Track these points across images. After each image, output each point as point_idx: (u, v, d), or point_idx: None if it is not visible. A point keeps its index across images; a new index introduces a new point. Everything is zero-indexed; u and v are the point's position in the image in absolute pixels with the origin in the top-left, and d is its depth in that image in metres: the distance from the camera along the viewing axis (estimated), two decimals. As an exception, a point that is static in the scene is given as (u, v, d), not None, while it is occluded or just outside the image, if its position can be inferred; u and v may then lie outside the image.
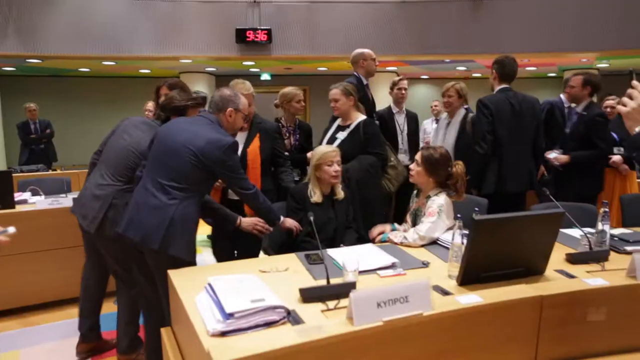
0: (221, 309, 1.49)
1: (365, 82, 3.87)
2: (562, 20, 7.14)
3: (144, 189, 2.28)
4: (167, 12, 7.17)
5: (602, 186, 3.87)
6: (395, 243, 2.42)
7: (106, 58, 7.81)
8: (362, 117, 3.25)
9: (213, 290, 1.62)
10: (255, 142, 3.02)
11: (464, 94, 3.82)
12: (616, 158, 4.09)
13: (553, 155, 3.79)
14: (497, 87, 3.45)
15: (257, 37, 7.13)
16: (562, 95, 4.47)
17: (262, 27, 7.17)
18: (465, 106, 3.97)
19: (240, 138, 2.87)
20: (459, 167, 2.52)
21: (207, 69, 10.34)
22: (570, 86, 3.92)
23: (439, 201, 2.46)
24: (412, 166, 2.62)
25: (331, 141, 3.23)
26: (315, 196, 2.72)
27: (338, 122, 3.35)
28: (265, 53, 7.39)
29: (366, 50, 3.89)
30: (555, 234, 1.86)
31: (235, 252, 3.06)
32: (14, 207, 3.51)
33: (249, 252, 2.80)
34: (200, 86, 9.70)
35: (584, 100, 3.83)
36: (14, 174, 5.74)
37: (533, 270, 1.89)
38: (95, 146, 2.84)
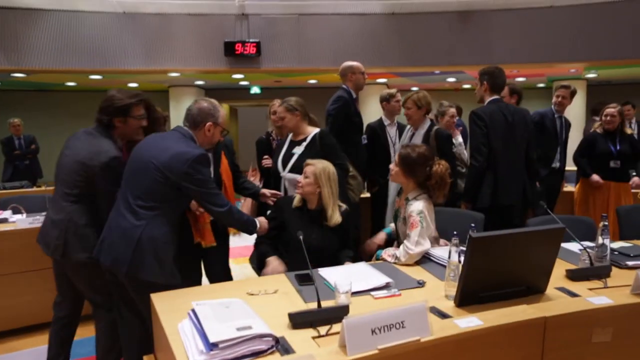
0: (204, 338, 1.39)
1: (354, 95, 3.80)
2: (551, 31, 7.18)
3: (115, 209, 2.18)
4: (155, 25, 7.10)
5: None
6: (387, 260, 2.35)
7: (93, 72, 7.70)
8: (315, 129, 3.19)
9: (196, 316, 1.52)
10: (224, 161, 2.90)
11: (423, 105, 3.67)
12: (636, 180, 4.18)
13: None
14: (488, 99, 3.38)
15: (245, 50, 7.08)
16: (552, 106, 4.45)
17: (251, 40, 7.13)
18: (431, 117, 3.89)
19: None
20: (440, 166, 2.43)
21: (196, 82, 10.26)
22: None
23: (418, 207, 2.36)
24: (391, 166, 2.56)
25: (287, 157, 3.13)
26: (295, 200, 2.66)
27: (290, 137, 3.26)
28: (255, 66, 7.33)
29: (355, 64, 3.82)
30: (557, 250, 1.79)
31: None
32: (-4, 226, 3.38)
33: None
34: (189, 100, 9.60)
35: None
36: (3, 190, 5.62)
37: (534, 288, 1.81)
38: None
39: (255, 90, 11.47)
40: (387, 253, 2.40)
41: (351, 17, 7.32)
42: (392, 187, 3.66)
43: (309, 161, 2.63)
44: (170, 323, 1.62)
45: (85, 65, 7.09)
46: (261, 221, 2.47)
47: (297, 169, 2.95)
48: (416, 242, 2.28)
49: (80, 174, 2.28)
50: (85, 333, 3.06)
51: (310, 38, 7.32)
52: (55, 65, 6.87)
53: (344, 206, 2.69)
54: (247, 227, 2.37)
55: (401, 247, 2.35)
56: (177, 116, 9.78)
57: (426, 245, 2.31)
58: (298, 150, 3.11)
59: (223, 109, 2.34)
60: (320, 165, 2.58)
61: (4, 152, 7.31)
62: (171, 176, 2.07)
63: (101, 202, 2.32)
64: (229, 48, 7.08)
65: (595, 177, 4.24)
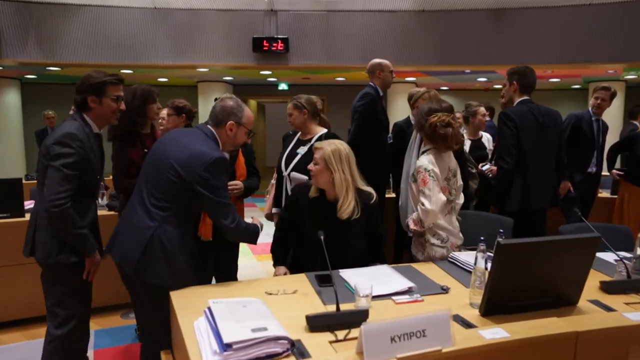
0: (219, 338, 1.36)
1: (381, 93, 3.74)
2: (588, 30, 6.91)
3: (130, 205, 2.08)
4: (185, 21, 7.16)
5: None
6: (415, 230, 2.34)
7: (124, 66, 7.83)
8: (322, 130, 3.13)
9: (212, 315, 1.49)
10: (240, 158, 2.87)
11: None
12: None
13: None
14: (518, 99, 3.28)
15: (274, 46, 7.06)
16: (590, 108, 4.27)
17: (279, 36, 7.11)
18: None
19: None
20: (435, 117, 2.36)
21: (224, 78, 10.33)
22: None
23: (423, 162, 2.35)
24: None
25: (292, 156, 3.06)
26: (311, 189, 2.37)
27: (298, 136, 3.21)
28: (282, 62, 7.31)
29: (384, 61, 3.75)
30: (591, 261, 1.69)
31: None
32: (23, 216, 3.44)
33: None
34: (217, 95, 9.68)
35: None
36: (29, 181, 5.77)
37: (565, 300, 1.72)
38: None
39: (283, 86, 11.47)
40: (413, 222, 2.38)
41: (381, 13, 7.21)
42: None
43: (317, 145, 2.32)
44: (187, 320, 1.60)
45: (116, 59, 7.21)
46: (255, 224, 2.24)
47: (300, 168, 2.90)
48: (429, 198, 2.25)
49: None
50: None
51: (338, 35, 7.26)
52: (88, 59, 7.01)
53: (369, 192, 2.32)
54: (253, 239, 2.15)
55: (418, 208, 2.31)
56: (205, 111, 9.87)
57: (442, 197, 2.28)
58: (302, 150, 3.05)
59: (249, 109, 2.21)
60: (329, 148, 2.25)
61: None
62: (186, 177, 1.93)
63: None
64: (257, 44, 7.08)
65: (615, 172, 4.06)
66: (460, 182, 2.53)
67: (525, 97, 3.26)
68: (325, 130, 3.14)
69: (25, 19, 6.79)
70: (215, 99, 2.28)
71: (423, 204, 2.26)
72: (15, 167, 9.63)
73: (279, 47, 7.07)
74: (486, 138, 4.33)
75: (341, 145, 2.29)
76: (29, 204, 3.74)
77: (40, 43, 6.97)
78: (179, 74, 9.51)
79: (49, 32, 6.91)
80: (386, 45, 7.13)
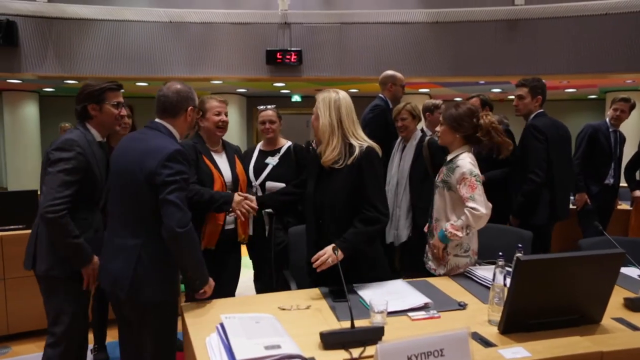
0: (231, 355, 1.34)
1: (390, 105, 3.72)
2: (604, 40, 6.82)
3: (110, 229, 1.97)
4: (200, 34, 7.24)
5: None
6: (459, 236, 2.19)
7: (140, 79, 7.93)
8: (287, 141, 3.16)
9: (224, 331, 1.47)
10: (239, 164, 2.79)
11: (417, 114, 3.55)
12: None
13: None
14: (535, 112, 3.31)
15: (287, 59, 7.10)
16: (607, 119, 4.19)
17: (293, 49, 7.14)
18: (420, 127, 3.73)
19: (221, 161, 2.69)
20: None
21: (238, 90, 10.41)
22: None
23: (468, 167, 2.21)
24: (437, 128, 2.44)
25: (261, 167, 3.03)
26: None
27: (260, 147, 3.18)
28: (296, 74, 7.34)
29: (397, 75, 3.74)
30: (615, 277, 1.63)
31: None
32: (38, 228, 3.47)
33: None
34: (231, 107, 9.75)
35: None
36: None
37: (587, 318, 1.66)
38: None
39: (296, 98, 11.53)
40: (454, 228, 2.20)
41: (394, 25, 7.21)
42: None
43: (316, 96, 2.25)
44: (199, 336, 1.59)
45: (132, 72, 7.31)
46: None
47: (274, 177, 2.98)
48: (481, 202, 2.16)
49: None
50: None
51: (352, 47, 7.27)
52: (105, 73, 7.11)
53: (361, 143, 2.11)
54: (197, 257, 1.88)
55: (466, 212, 2.17)
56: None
57: (489, 205, 2.21)
58: (272, 161, 3.05)
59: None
60: (321, 96, 2.18)
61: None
62: (148, 178, 1.80)
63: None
64: (271, 56, 7.12)
65: (638, 192, 3.99)
66: None
67: (542, 110, 3.32)
68: (289, 141, 3.17)
69: (45, 34, 6.93)
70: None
71: (477, 209, 2.15)
72: (33, 178, 9.78)
73: (293, 60, 7.10)
74: None
75: (336, 93, 2.17)
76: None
77: (58, 57, 7.10)
78: (193, 87, 9.55)
79: (68, 47, 7.03)
80: (400, 57, 7.12)
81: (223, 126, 2.66)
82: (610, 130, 4.14)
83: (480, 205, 2.15)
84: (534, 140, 3.16)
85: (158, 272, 1.86)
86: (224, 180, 2.61)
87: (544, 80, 3.37)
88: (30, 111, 10.11)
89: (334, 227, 2.07)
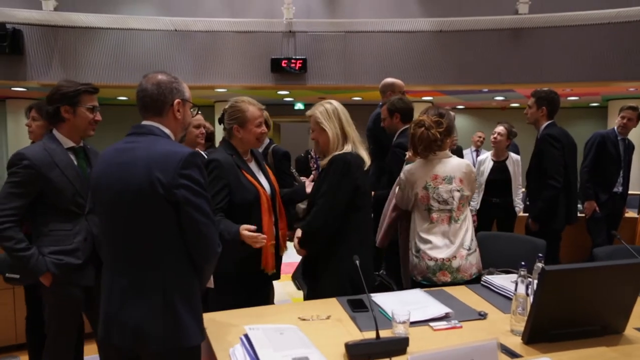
0: (259, 367, 1.33)
1: None
2: (607, 49, 6.86)
3: (110, 272, 1.54)
4: (205, 43, 7.27)
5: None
6: None
7: (144, 87, 7.96)
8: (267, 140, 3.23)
9: (250, 342, 1.46)
10: (270, 172, 2.48)
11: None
12: None
13: None
14: (545, 122, 3.47)
15: (292, 67, 7.13)
16: (615, 127, 4.21)
17: (297, 57, 7.18)
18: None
19: (257, 172, 2.36)
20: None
21: (241, 98, 10.44)
22: None
23: None
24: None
25: None
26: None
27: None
28: (300, 82, 7.36)
29: (396, 82, 3.73)
30: (638, 287, 1.63)
31: None
32: (47, 236, 3.45)
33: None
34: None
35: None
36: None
37: (610, 328, 1.65)
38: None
39: (299, 106, 11.56)
40: None
41: (398, 34, 7.26)
42: None
43: (308, 113, 2.29)
44: (221, 347, 1.58)
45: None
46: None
47: None
48: None
49: None
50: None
51: (356, 55, 7.30)
52: (110, 81, 7.13)
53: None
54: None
55: None
56: (221, 131, 9.93)
57: None
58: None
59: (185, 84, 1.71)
60: (317, 110, 2.23)
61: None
62: (159, 190, 1.44)
63: None
64: (276, 64, 7.15)
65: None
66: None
67: (552, 120, 3.49)
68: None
69: (51, 43, 6.95)
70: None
71: None
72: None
73: (297, 68, 7.14)
74: (511, 160, 4.32)
75: (330, 104, 2.24)
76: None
77: (64, 65, 7.11)
78: (197, 94, 9.63)
79: (73, 55, 7.06)
80: (404, 65, 7.15)
81: (263, 138, 2.40)
82: (619, 138, 4.15)
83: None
84: (552, 148, 3.32)
85: (196, 308, 1.52)
86: (267, 195, 2.29)
87: (555, 92, 3.49)
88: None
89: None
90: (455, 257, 2.28)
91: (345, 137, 2.21)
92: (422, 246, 2.32)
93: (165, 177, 1.44)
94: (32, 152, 2.06)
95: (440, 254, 2.27)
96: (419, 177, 2.35)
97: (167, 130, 1.59)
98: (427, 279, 2.30)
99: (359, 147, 2.23)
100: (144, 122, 1.59)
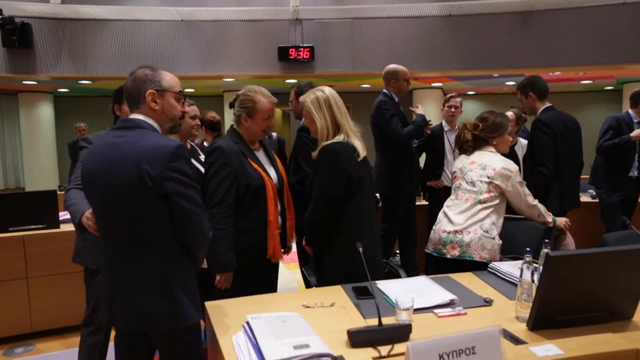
0: (260, 355, 1.33)
1: (396, 99, 3.69)
2: (621, 30, 6.69)
3: (109, 263, 1.64)
4: (212, 33, 7.25)
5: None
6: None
7: (153, 78, 7.98)
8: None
9: (251, 331, 1.47)
10: (278, 160, 2.49)
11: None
12: None
13: None
14: (541, 107, 3.39)
15: (299, 55, 7.08)
16: (630, 110, 4.11)
17: (305, 45, 7.13)
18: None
19: (264, 160, 2.37)
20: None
21: (249, 87, 10.43)
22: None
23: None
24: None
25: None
26: None
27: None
28: (308, 71, 7.32)
29: (400, 69, 3.68)
30: (646, 273, 1.60)
31: None
32: (59, 227, 3.50)
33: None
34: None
35: None
36: (62, 192, 5.90)
37: (618, 314, 1.63)
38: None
39: (306, 95, 11.52)
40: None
41: (406, 20, 7.16)
42: None
43: (301, 99, 2.28)
44: (225, 335, 1.58)
45: None
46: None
47: None
48: None
49: None
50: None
51: (364, 42, 7.23)
52: (118, 72, 7.15)
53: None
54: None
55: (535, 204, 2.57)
56: (230, 120, 9.95)
57: None
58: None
59: (167, 73, 1.72)
60: (309, 99, 2.19)
61: (70, 155, 7.69)
62: (149, 183, 1.51)
63: None
64: (283, 53, 7.11)
65: None
66: None
67: (548, 104, 3.38)
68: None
69: (59, 35, 6.99)
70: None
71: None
72: (49, 178, 9.91)
73: (305, 56, 7.09)
74: (520, 145, 4.24)
75: (322, 92, 2.19)
76: (62, 215, 3.83)
77: (72, 58, 7.15)
78: (205, 84, 9.64)
79: (81, 47, 7.09)
80: (412, 51, 7.06)
81: (269, 131, 2.42)
82: (635, 121, 4.06)
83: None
84: (542, 134, 3.25)
85: (192, 290, 1.64)
86: (273, 184, 2.30)
87: (535, 75, 3.42)
88: (45, 112, 10.22)
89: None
90: (468, 231, 2.40)
91: (337, 127, 2.15)
92: (441, 218, 2.54)
93: (154, 170, 1.51)
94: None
95: (454, 228, 2.45)
96: (460, 160, 2.65)
97: (152, 122, 1.65)
98: (437, 251, 2.49)
99: (352, 137, 2.17)
100: (131, 116, 1.66)
